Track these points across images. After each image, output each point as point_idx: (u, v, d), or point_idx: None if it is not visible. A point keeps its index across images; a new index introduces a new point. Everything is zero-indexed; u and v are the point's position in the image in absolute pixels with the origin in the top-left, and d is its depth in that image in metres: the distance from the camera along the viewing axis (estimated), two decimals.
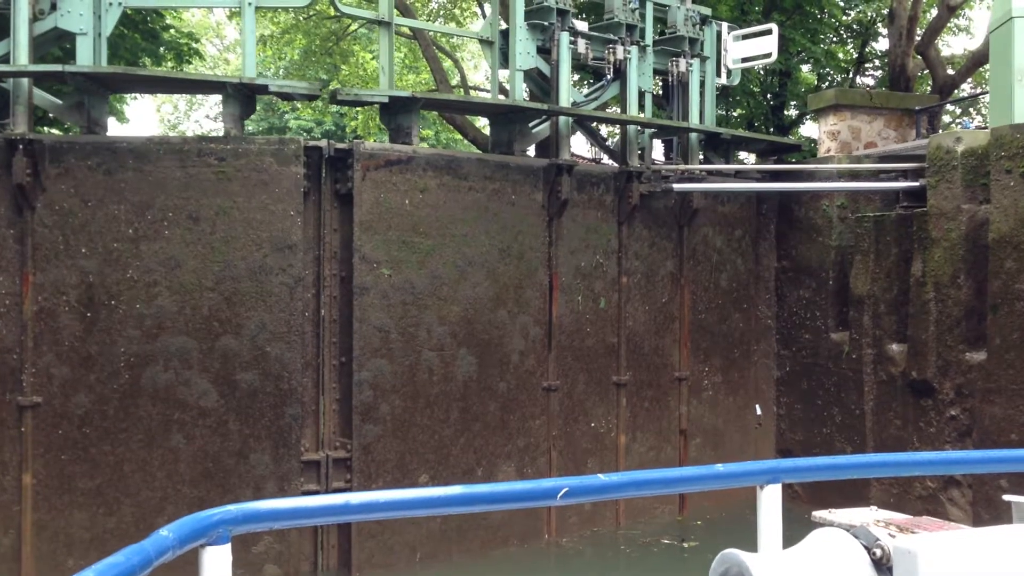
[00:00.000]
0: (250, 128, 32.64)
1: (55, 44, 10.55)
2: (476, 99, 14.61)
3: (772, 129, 21.99)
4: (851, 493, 10.73)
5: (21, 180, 9.19)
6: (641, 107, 12.15)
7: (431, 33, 21.76)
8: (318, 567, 9.84)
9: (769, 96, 23.06)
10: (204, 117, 38.45)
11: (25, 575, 9.11)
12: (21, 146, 9.17)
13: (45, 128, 14.59)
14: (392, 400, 10.10)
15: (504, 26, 11.83)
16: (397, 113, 10.72)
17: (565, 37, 11.33)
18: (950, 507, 10.07)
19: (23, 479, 9.17)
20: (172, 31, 21.21)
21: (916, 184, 10.94)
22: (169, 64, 18.80)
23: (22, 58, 9.44)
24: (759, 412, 12.81)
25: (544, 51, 11.55)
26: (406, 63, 31.47)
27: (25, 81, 9.50)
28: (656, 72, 12.43)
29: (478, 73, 35.45)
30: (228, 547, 2.31)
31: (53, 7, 9.74)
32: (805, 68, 23.61)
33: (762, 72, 21.07)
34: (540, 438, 11.05)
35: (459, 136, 28.73)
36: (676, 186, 11.80)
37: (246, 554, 9.38)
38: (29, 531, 9.16)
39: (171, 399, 9.49)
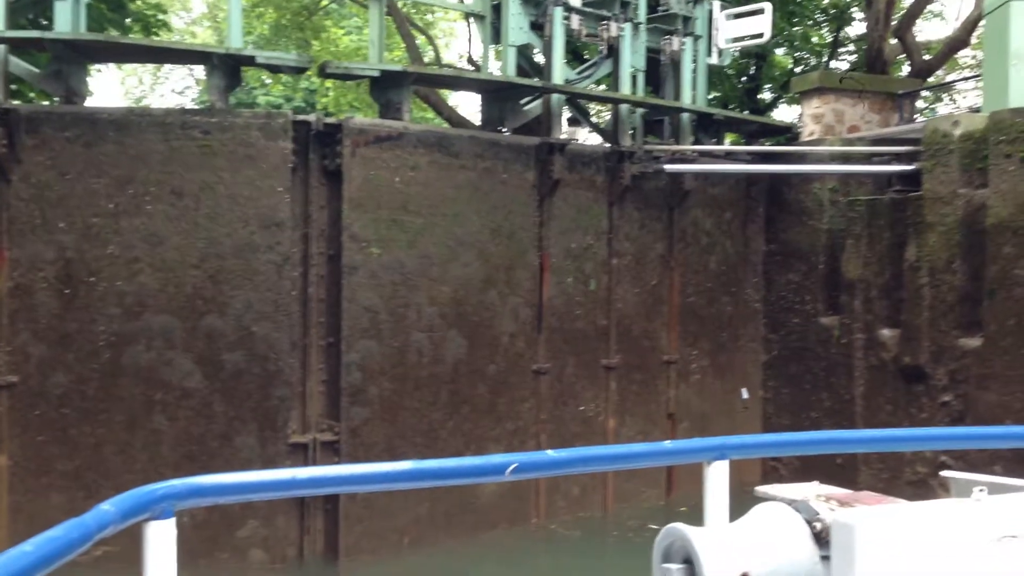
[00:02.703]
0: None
1: (33, 10, 10.13)
2: (469, 75, 14.34)
3: (746, 112, 21.95)
4: (841, 478, 10.68)
5: None
6: (634, 86, 11.96)
7: (405, 9, 21.34)
8: (304, 552, 9.62)
9: (744, 79, 23.00)
10: (170, 91, 37.62)
11: None
12: None
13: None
14: (381, 382, 9.87)
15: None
16: (388, 88, 10.43)
17: (559, 12, 11.09)
18: (941, 492, 10.07)
19: None
20: (139, 1, 20.61)
21: (911, 168, 10.88)
22: (136, 35, 18.25)
23: None
24: (746, 396, 12.76)
25: (537, 27, 11.31)
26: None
27: (1, 48, 9.09)
28: (648, 50, 12.24)
29: (450, 52, 35.02)
30: (172, 522, 2.32)
31: None
32: (779, 51, 23.57)
33: (737, 54, 21.01)
34: (529, 421, 10.89)
35: (431, 114, 28.43)
36: (668, 167, 11.64)
37: (231, 538, 9.14)
38: (5, 514, 8.84)
39: (153, 379, 9.19)
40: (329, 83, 28.08)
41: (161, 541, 2.31)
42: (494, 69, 12.06)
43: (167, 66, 35.87)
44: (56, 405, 8.96)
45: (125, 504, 2.25)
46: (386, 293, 9.93)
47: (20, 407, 8.88)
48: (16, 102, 13.52)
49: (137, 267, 9.20)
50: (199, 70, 36.51)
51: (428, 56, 28.17)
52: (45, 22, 11.83)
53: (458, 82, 12.50)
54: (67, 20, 9.32)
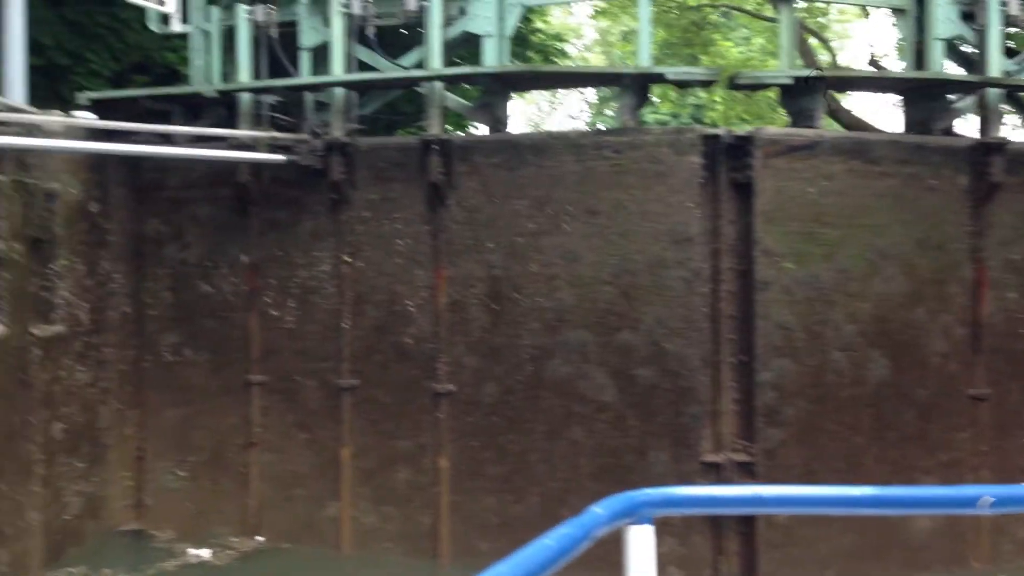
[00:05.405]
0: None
1: (462, 48, 11.03)
2: (889, 74, 13.39)
3: None
4: None
5: (435, 178, 9.65)
6: None
7: (799, 14, 20.47)
8: (719, 574, 9.40)
9: None
10: (565, 116, 39.75)
11: (442, 552, 9.59)
12: (435, 146, 9.64)
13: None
14: (797, 403, 9.40)
15: None
16: (799, 95, 9.98)
17: None
18: None
19: (439, 462, 9.65)
20: (539, 34, 21.87)
21: None
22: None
23: (435, 63, 9.93)
24: None
25: (966, 17, 10.20)
26: (766, 49, 30.22)
27: (438, 84, 9.99)
28: None
29: (843, 55, 33.23)
30: (651, 528, 2.47)
31: (462, 12, 10.16)
32: None
33: None
34: (967, 453, 9.76)
35: (827, 120, 27.14)
36: None
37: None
38: (445, 512, 9.62)
39: (571, 392, 9.51)
40: (716, 96, 27.92)
41: (641, 545, 2.49)
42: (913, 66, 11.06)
43: (560, 92, 37.94)
44: (486, 413, 9.61)
45: (612, 508, 2.47)
46: (801, 310, 9.46)
47: (456, 414, 9.64)
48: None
49: (556, 284, 9.60)
50: (590, 94, 38.22)
51: (822, 61, 26.95)
52: (457, 60, 12.91)
53: (877, 83, 11.65)
54: (494, 54, 10.01)
